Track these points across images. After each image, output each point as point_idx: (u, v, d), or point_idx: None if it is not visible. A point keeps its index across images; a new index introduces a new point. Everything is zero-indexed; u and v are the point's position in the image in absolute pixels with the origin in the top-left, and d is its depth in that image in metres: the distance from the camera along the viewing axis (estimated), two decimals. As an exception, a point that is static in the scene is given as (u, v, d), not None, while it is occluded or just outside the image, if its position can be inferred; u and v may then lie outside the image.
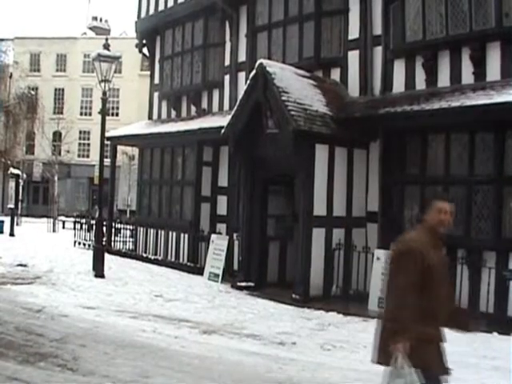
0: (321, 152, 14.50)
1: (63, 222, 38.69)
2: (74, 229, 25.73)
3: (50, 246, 23.24)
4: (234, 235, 17.49)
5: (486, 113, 12.30)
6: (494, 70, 13.16)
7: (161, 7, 22.52)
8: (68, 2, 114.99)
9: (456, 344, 10.26)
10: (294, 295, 14.42)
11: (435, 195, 5.55)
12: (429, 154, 14.06)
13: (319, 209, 14.49)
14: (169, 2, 22.13)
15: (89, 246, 22.88)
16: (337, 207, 14.81)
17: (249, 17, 18.91)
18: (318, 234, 14.56)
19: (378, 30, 15.40)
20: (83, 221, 25.59)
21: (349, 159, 15.04)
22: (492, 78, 13.12)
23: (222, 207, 19.20)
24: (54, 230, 35.22)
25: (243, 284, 15.87)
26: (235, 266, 17.32)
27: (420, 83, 14.48)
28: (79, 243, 24.43)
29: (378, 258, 13.61)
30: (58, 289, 14.38)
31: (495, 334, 11.18)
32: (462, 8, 13.68)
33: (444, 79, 14.03)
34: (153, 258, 20.36)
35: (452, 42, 13.91)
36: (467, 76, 13.59)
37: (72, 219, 29.16)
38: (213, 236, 18.06)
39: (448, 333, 5.06)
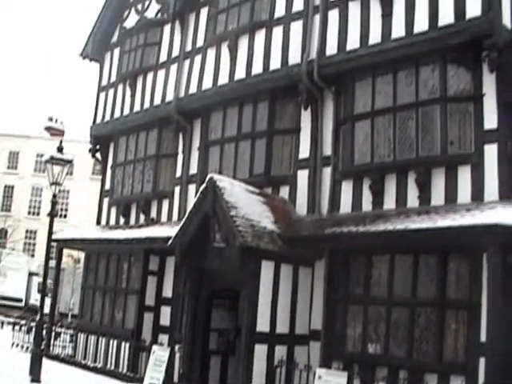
0: (267, 268, 14.50)
1: (1, 323, 37.64)
2: (13, 330, 25.12)
3: (-15, 347, 22.63)
4: (176, 347, 17.23)
5: (429, 236, 12.55)
6: (438, 195, 13.52)
7: (117, 114, 22.83)
8: (27, 100, 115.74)
9: None
10: (233, 412, 14.18)
11: None
12: (373, 274, 14.20)
13: (262, 325, 14.39)
14: (125, 109, 22.48)
15: (27, 348, 22.33)
16: (280, 324, 14.72)
17: (202, 130, 19.27)
18: (260, 350, 14.37)
19: (327, 150, 15.77)
20: (23, 322, 25.06)
21: (294, 276, 15.06)
22: (436, 203, 13.47)
23: (166, 318, 18.94)
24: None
25: (183, 398, 15.57)
26: (176, 379, 17.01)
27: (367, 204, 14.75)
28: (17, 345, 23.81)
29: (319, 377, 13.47)
30: (-9, 394, 13.96)
31: None
32: (410, 134, 14.15)
33: (390, 202, 14.32)
34: (92, 365, 19.83)
35: (399, 166, 14.29)
36: (412, 199, 13.92)
37: (11, 319, 28.50)
38: (154, 346, 17.72)
39: None
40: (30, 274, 46.82)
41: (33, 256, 56.71)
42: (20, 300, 44.65)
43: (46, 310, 19.00)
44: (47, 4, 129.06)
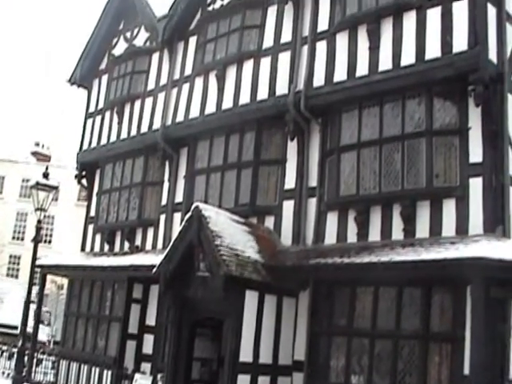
0: (250, 298, 14.45)
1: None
2: (-6, 356, 24.95)
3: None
4: (158, 376, 17.11)
5: (413, 269, 12.52)
6: (423, 228, 13.54)
7: (103, 141, 22.80)
8: (13, 124, 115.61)
9: None
10: None
11: None
12: (357, 306, 14.15)
13: (245, 355, 14.30)
14: (111, 137, 22.46)
15: (8, 375, 22.14)
16: (263, 354, 14.64)
17: (189, 159, 19.27)
18: (243, 381, 14.25)
19: (313, 181, 15.82)
20: (4, 348, 24.86)
21: (278, 307, 15.00)
22: (421, 235, 13.49)
23: (148, 346, 18.78)
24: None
25: (165, 427, 15.42)
26: (157, 408, 16.90)
27: (351, 236, 14.75)
28: (-3, 371, 23.65)
29: (302, 409, 13.46)
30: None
31: None
32: (395, 166, 14.19)
33: (375, 234, 14.34)
34: (73, 392, 19.72)
35: (384, 199, 14.33)
36: (397, 232, 13.94)
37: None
38: (136, 375, 17.62)
39: None
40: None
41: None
42: (16, 327, 44.08)
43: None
44: (37, 27, 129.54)
